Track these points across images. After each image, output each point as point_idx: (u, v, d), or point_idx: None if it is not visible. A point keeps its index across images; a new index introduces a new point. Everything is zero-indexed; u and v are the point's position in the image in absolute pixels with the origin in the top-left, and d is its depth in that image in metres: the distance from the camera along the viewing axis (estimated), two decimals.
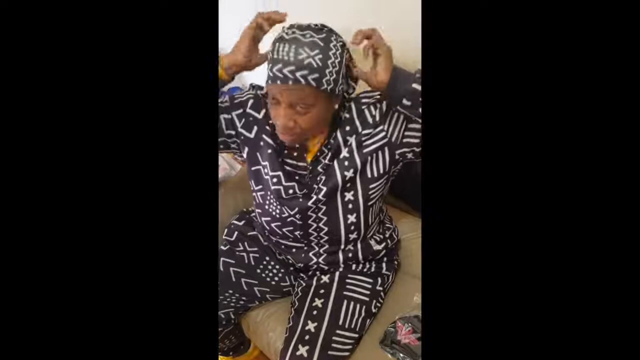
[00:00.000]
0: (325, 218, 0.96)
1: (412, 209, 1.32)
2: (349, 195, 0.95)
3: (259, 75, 0.98)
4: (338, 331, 0.95)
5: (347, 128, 0.91)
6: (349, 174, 0.92)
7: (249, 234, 1.13)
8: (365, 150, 0.91)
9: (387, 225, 1.13)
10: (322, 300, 0.99)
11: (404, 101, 0.81)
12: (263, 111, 0.94)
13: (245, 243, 1.11)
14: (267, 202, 0.99)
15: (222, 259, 1.08)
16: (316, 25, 0.79)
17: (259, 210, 1.04)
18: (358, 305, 0.99)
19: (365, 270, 1.05)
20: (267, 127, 0.94)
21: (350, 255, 1.03)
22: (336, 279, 1.03)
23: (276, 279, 1.09)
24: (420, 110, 0.81)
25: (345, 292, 1.00)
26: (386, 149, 0.92)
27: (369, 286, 1.03)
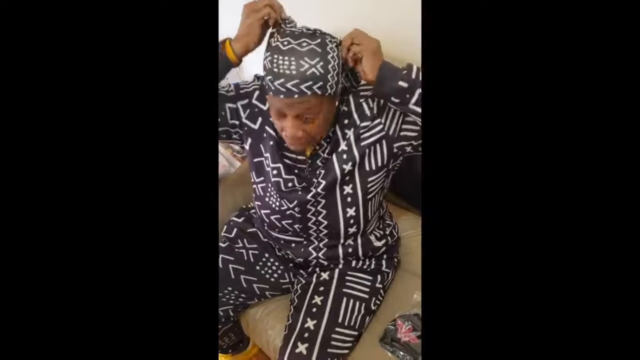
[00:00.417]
0: (324, 212, 0.95)
1: (412, 207, 1.31)
2: (347, 189, 0.94)
3: (257, 66, 0.97)
4: (337, 329, 0.94)
5: (346, 121, 0.90)
6: (347, 167, 0.91)
7: (248, 230, 1.11)
8: (363, 143, 0.90)
9: (388, 222, 1.12)
10: (321, 297, 0.98)
11: (392, 99, 0.81)
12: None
13: (245, 240, 1.10)
14: (268, 194, 0.98)
15: (221, 255, 1.07)
16: (308, 30, 0.78)
17: (259, 203, 1.03)
18: (357, 303, 0.98)
19: (365, 267, 1.04)
20: (271, 119, 0.92)
21: (350, 250, 1.02)
22: (336, 276, 1.02)
23: (275, 275, 1.08)
24: (409, 106, 0.80)
25: (344, 290, 0.99)
26: (384, 142, 0.91)
27: (369, 283, 1.02)
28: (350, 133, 0.90)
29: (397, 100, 0.81)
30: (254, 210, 1.12)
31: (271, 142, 0.93)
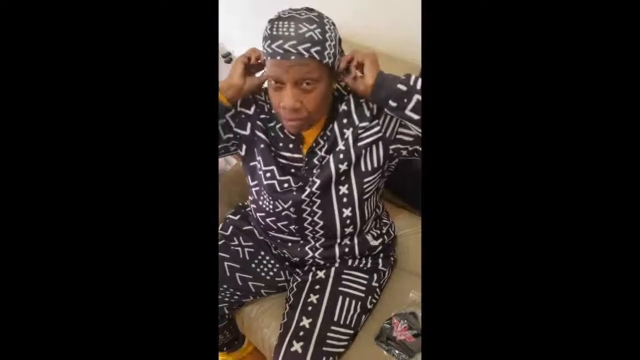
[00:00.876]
0: (320, 212, 0.94)
1: (409, 206, 1.30)
2: (343, 189, 0.93)
3: None
4: (333, 327, 0.92)
5: (345, 121, 0.90)
6: (342, 166, 0.90)
7: (244, 228, 1.10)
8: (360, 144, 0.89)
9: (384, 220, 1.11)
10: (317, 296, 0.97)
11: (390, 102, 0.80)
12: (253, 107, 0.93)
13: (241, 237, 1.09)
14: (261, 197, 0.98)
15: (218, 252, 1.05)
16: (307, 7, 0.80)
17: (254, 206, 1.02)
18: (353, 301, 0.97)
19: (361, 266, 1.03)
20: (259, 123, 0.93)
21: (346, 250, 1.01)
22: (332, 274, 1.01)
23: (271, 274, 1.07)
24: (406, 112, 0.80)
25: (340, 288, 0.98)
26: (380, 143, 0.90)
27: (365, 282, 1.01)
28: (348, 133, 0.89)
29: (394, 104, 0.80)
30: (250, 208, 1.11)
31: (262, 146, 0.93)
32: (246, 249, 1.07)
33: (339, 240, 1.00)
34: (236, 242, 1.08)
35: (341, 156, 0.90)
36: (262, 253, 1.07)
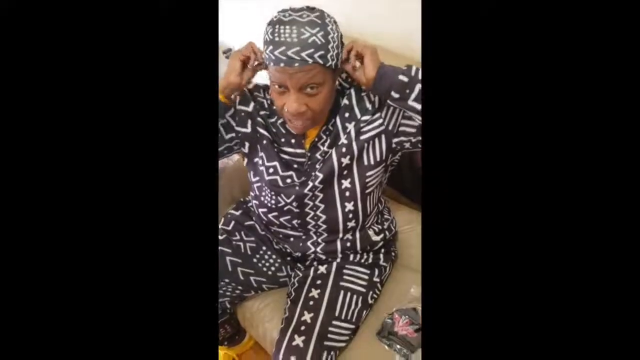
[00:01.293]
0: (322, 206, 0.94)
1: (411, 202, 1.29)
2: (345, 183, 0.92)
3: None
4: (334, 322, 0.92)
5: (347, 114, 0.89)
6: (345, 160, 0.89)
7: (245, 223, 1.09)
8: (362, 137, 0.89)
9: (386, 216, 1.10)
10: (318, 290, 0.96)
11: (392, 93, 0.80)
12: (252, 104, 0.92)
13: (242, 232, 1.08)
14: (263, 193, 0.97)
15: (218, 248, 1.05)
16: (307, 6, 0.78)
17: (256, 202, 1.01)
18: (355, 296, 0.96)
19: (362, 261, 1.02)
20: (259, 119, 0.92)
21: (348, 244, 1.00)
22: (333, 269, 1.00)
23: (273, 268, 1.06)
24: (409, 102, 0.80)
25: (342, 283, 0.97)
26: (383, 136, 0.89)
27: (366, 277, 1.00)
28: (350, 127, 0.89)
29: (396, 95, 0.79)
30: (251, 204, 1.10)
31: (264, 142, 0.92)
32: (248, 244, 1.06)
33: (341, 235, 0.99)
34: (238, 237, 1.07)
35: (343, 150, 0.89)
36: (264, 248, 1.06)
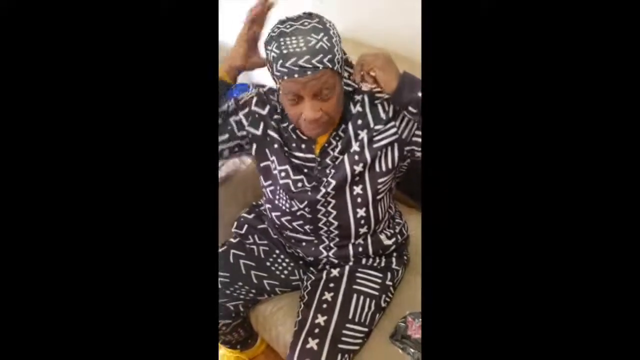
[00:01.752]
0: (334, 212, 0.93)
1: (420, 206, 1.29)
2: (357, 189, 0.92)
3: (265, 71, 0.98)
4: (348, 325, 0.91)
5: (359, 122, 0.88)
6: (358, 168, 0.89)
7: (258, 226, 1.09)
8: (375, 146, 0.89)
9: (397, 220, 1.09)
10: (332, 294, 0.95)
11: (410, 108, 0.80)
12: (267, 107, 0.92)
13: (255, 236, 1.07)
14: (277, 197, 0.96)
15: (232, 251, 1.04)
16: (304, 13, 0.78)
17: (269, 206, 1.00)
18: (368, 300, 0.95)
19: (375, 264, 1.01)
20: (272, 123, 0.92)
21: (360, 249, 0.99)
22: (346, 272, 0.99)
23: (285, 272, 1.05)
24: None
25: (355, 286, 0.96)
26: (396, 145, 0.89)
27: (379, 281, 0.99)
28: (363, 134, 0.88)
29: (414, 110, 0.80)
30: (264, 207, 1.10)
31: (275, 145, 0.92)
32: (261, 247, 1.06)
33: (353, 240, 0.98)
34: (251, 241, 1.07)
35: (356, 157, 0.89)
36: (277, 251, 1.06)
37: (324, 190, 0.90)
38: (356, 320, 0.92)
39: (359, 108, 0.89)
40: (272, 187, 0.97)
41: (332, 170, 0.90)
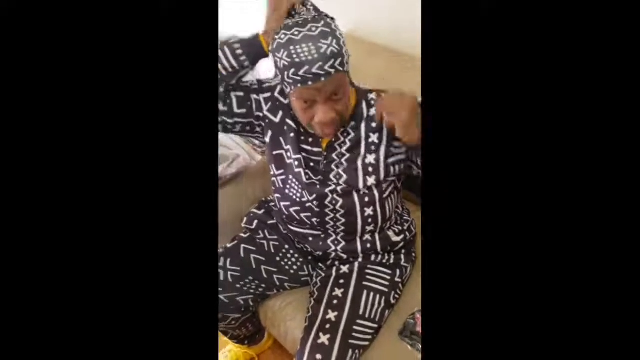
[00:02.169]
0: (342, 211, 0.93)
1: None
2: (365, 189, 0.92)
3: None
4: (358, 320, 0.90)
5: (373, 124, 0.88)
6: (370, 180, 0.90)
7: (268, 222, 1.08)
8: (390, 160, 0.90)
9: (406, 217, 1.09)
10: (342, 290, 0.94)
11: (418, 160, 0.86)
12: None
13: (265, 231, 1.07)
14: (288, 186, 0.95)
15: (242, 245, 1.03)
16: (308, 17, 0.78)
17: (279, 195, 0.99)
18: (378, 296, 0.95)
19: (384, 261, 1.01)
20: (292, 112, 0.91)
21: (368, 245, 0.98)
22: (356, 269, 0.98)
23: (295, 267, 1.04)
24: None
25: (365, 283, 0.96)
26: (407, 161, 0.91)
27: (388, 277, 0.98)
28: (374, 137, 0.88)
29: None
30: (273, 203, 1.10)
31: (292, 135, 0.91)
32: (271, 242, 1.05)
33: (360, 235, 0.98)
34: (261, 236, 1.06)
35: (370, 169, 0.89)
36: (287, 247, 1.05)
37: (332, 187, 0.90)
38: (366, 316, 0.91)
39: (373, 111, 0.89)
40: (283, 177, 0.96)
41: (344, 175, 0.90)
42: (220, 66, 0.85)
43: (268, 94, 0.93)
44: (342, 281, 0.97)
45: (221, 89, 0.88)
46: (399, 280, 1.00)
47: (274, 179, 0.99)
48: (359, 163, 0.89)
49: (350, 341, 0.87)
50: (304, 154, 0.92)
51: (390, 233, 1.01)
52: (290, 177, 0.94)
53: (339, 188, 0.90)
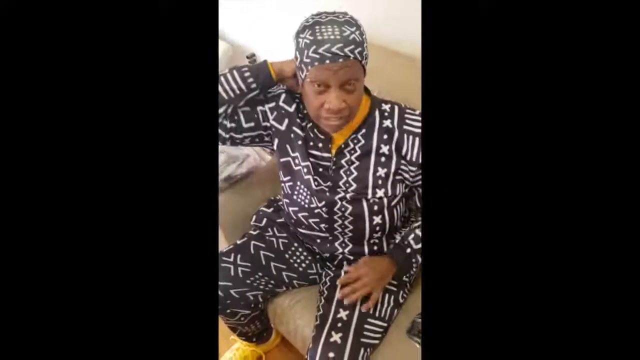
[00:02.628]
0: (351, 218, 0.92)
1: None
2: (374, 198, 0.91)
3: None
4: (369, 319, 0.89)
5: (385, 136, 0.87)
6: (380, 192, 0.89)
7: (277, 220, 1.07)
8: (398, 177, 0.90)
9: (412, 219, 1.10)
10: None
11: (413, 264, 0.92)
12: (294, 105, 0.91)
13: (275, 229, 1.06)
14: (296, 192, 0.95)
15: (252, 242, 1.02)
16: (335, 11, 0.80)
17: (287, 200, 0.99)
18: (387, 295, 0.94)
19: None
20: (298, 120, 0.90)
21: (375, 248, 0.98)
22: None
23: (303, 265, 1.04)
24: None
25: None
26: (412, 187, 0.94)
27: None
28: (385, 149, 0.88)
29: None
30: (282, 202, 1.11)
31: (299, 142, 0.90)
32: (280, 240, 1.04)
33: (367, 239, 0.97)
34: (271, 233, 1.05)
35: (380, 182, 0.88)
36: (296, 244, 1.04)
37: (341, 194, 0.89)
38: (376, 315, 0.91)
39: (388, 124, 0.88)
40: (291, 183, 0.95)
41: (348, 176, 0.89)
42: (228, 88, 0.86)
43: (273, 104, 0.92)
44: None
45: (229, 110, 0.89)
46: (407, 279, 1.00)
47: (282, 184, 0.99)
48: (370, 175, 0.88)
49: (362, 339, 0.87)
50: (312, 160, 0.91)
51: (397, 236, 1.01)
52: (299, 183, 0.94)
53: (348, 195, 0.89)
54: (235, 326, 1.08)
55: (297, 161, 0.92)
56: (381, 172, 0.88)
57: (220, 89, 0.86)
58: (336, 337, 0.86)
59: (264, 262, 1.01)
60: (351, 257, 0.99)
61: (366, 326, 0.89)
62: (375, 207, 0.91)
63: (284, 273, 1.03)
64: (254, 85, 0.88)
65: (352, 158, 0.89)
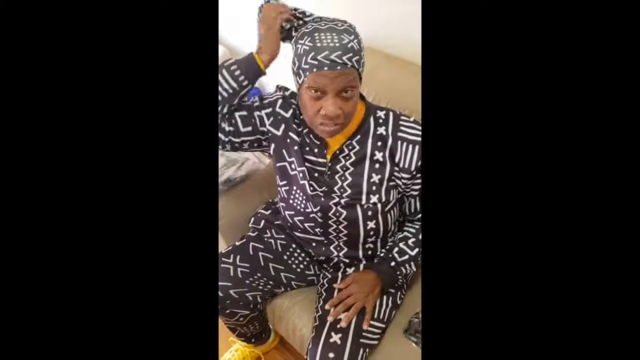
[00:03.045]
0: (345, 223, 0.92)
1: None
2: (368, 204, 0.91)
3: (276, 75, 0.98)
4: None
5: (379, 143, 0.87)
6: (374, 198, 0.89)
7: (275, 222, 1.07)
8: (391, 183, 0.89)
9: (406, 225, 1.10)
10: None
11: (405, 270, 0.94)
12: (290, 111, 0.91)
13: (273, 230, 1.05)
14: (292, 196, 0.94)
15: (251, 243, 1.02)
16: (334, 18, 0.80)
17: (283, 204, 0.98)
18: (385, 297, 0.94)
19: None
20: (294, 126, 0.90)
21: (369, 252, 0.98)
22: (361, 270, 0.98)
23: (301, 266, 1.03)
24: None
25: None
26: (406, 196, 0.95)
27: None
28: (379, 155, 0.87)
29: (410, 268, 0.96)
30: (279, 205, 1.11)
31: (295, 147, 0.90)
32: (279, 241, 1.04)
33: (361, 243, 0.97)
34: (269, 234, 1.04)
35: (374, 188, 0.88)
36: (294, 246, 1.04)
37: (336, 200, 0.89)
38: (375, 316, 0.91)
39: (382, 131, 0.87)
40: (287, 187, 0.95)
41: (343, 182, 0.89)
42: (220, 88, 0.85)
43: (269, 109, 0.92)
44: None
45: (224, 110, 0.88)
46: (404, 281, 1.01)
47: (279, 188, 0.98)
48: (364, 181, 0.88)
49: (361, 340, 0.86)
50: (308, 165, 0.91)
51: (391, 239, 1.01)
52: (295, 188, 0.93)
53: (342, 200, 0.89)
54: (234, 326, 1.07)
55: (293, 166, 0.92)
56: (375, 178, 0.88)
57: None
58: (336, 337, 0.86)
59: (262, 263, 1.00)
60: (346, 260, 0.99)
61: (365, 327, 0.90)
62: (369, 213, 0.90)
63: (282, 274, 1.02)
64: (245, 83, 0.86)
65: (347, 164, 0.88)
